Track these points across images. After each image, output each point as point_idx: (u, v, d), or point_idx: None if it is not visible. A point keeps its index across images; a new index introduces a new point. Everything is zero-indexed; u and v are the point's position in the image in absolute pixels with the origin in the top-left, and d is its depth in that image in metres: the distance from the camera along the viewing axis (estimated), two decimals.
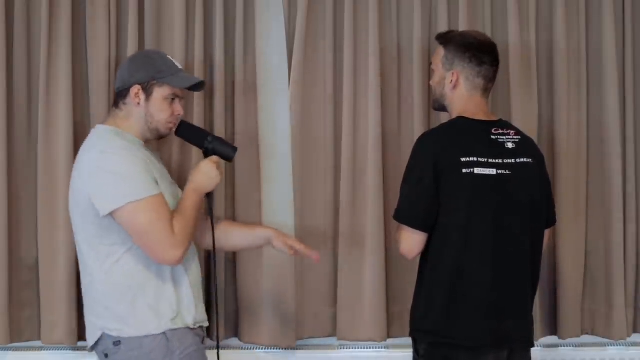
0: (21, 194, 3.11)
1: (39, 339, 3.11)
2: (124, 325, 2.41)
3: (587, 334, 3.27)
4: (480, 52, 2.58)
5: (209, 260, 3.06)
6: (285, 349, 3.18)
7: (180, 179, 2.86)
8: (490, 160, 2.46)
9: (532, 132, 3.01)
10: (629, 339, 3.26)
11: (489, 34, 3.13)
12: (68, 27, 3.06)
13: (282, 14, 3.16)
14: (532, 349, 2.61)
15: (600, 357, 3.27)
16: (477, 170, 2.44)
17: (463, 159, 2.44)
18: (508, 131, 2.55)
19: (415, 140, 2.60)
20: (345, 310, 3.15)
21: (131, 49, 3.06)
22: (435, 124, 2.99)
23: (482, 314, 2.46)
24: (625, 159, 3.23)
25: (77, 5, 3.09)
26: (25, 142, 3.11)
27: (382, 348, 3.21)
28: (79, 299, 3.04)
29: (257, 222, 3.08)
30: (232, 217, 3.12)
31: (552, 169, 3.13)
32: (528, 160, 2.53)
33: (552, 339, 3.25)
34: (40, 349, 3.16)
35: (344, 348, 3.23)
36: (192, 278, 2.52)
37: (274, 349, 3.18)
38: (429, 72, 3.00)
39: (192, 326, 2.49)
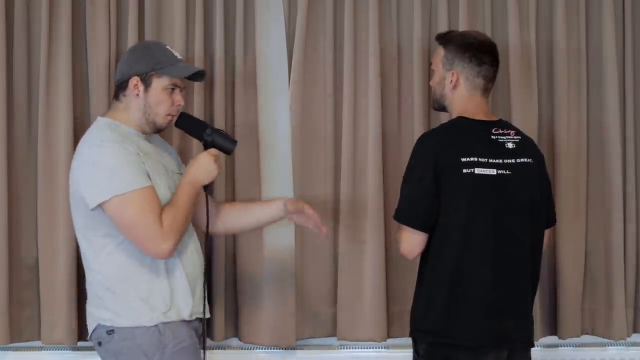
0: (21, 194, 3.11)
1: (39, 339, 3.11)
2: (117, 315, 2.42)
3: (587, 334, 3.27)
4: (480, 52, 2.58)
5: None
6: (285, 349, 3.18)
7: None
8: (490, 160, 2.46)
9: (532, 132, 3.01)
10: (629, 339, 3.26)
11: (489, 34, 3.13)
12: (68, 27, 3.06)
13: (282, 14, 3.16)
14: (532, 349, 2.60)
15: (600, 357, 3.27)
16: (477, 170, 2.44)
17: (463, 159, 2.44)
18: (508, 131, 2.55)
19: (415, 140, 2.60)
20: (345, 310, 3.15)
21: None
22: (435, 124, 2.99)
23: (482, 314, 2.46)
24: (625, 159, 3.23)
25: (77, 5, 3.09)
26: (25, 142, 3.11)
27: (382, 348, 3.21)
28: (79, 299, 3.05)
29: (261, 201, 3.05)
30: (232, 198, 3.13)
31: (552, 169, 3.13)
32: (528, 160, 2.53)
33: (552, 339, 3.25)
34: (40, 349, 3.16)
35: (344, 348, 3.23)
36: (188, 269, 2.49)
37: (274, 349, 3.18)
38: (429, 72, 3.00)
39: (187, 318, 2.48)
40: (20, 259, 3.11)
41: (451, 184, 2.44)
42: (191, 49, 3.10)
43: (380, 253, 3.12)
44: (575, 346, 3.27)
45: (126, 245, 2.40)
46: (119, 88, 2.55)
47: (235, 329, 3.19)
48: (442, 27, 3.10)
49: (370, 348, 3.22)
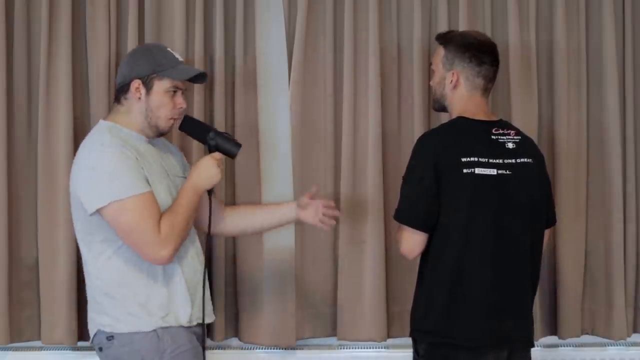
0: (21, 194, 3.11)
1: (39, 339, 3.11)
2: (116, 321, 2.40)
3: (587, 334, 3.27)
4: (480, 52, 2.58)
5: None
6: (285, 349, 3.18)
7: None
8: (490, 161, 2.46)
9: (532, 132, 3.01)
10: (629, 339, 3.26)
11: (489, 34, 3.13)
12: (68, 27, 3.06)
13: (282, 14, 3.16)
14: (532, 349, 2.60)
15: (600, 357, 3.27)
16: (477, 170, 2.44)
17: (464, 159, 2.43)
18: (508, 131, 2.55)
19: (415, 140, 2.60)
20: (345, 310, 3.15)
21: (131, 48, 3.05)
22: (435, 124, 2.99)
23: (482, 314, 2.46)
24: (625, 159, 3.23)
25: (77, 5, 3.10)
26: (25, 142, 3.12)
27: (382, 348, 3.21)
28: (79, 299, 3.05)
29: (272, 203, 3.03)
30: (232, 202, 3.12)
31: (552, 169, 3.13)
32: (528, 160, 2.53)
33: (552, 339, 3.25)
34: (40, 349, 3.16)
35: (344, 348, 3.23)
36: (188, 275, 2.47)
37: (274, 349, 3.18)
38: (429, 72, 3.00)
39: (186, 324, 2.46)
40: (20, 259, 3.12)
41: (451, 184, 2.43)
42: (191, 49, 3.10)
43: (381, 253, 3.12)
44: (575, 346, 3.27)
45: (124, 250, 2.38)
46: (120, 91, 2.51)
47: (235, 329, 3.19)
48: (442, 27, 3.10)
49: (370, 348, 3.22)
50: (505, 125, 2.59)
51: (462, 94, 2.58)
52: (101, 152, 2.37)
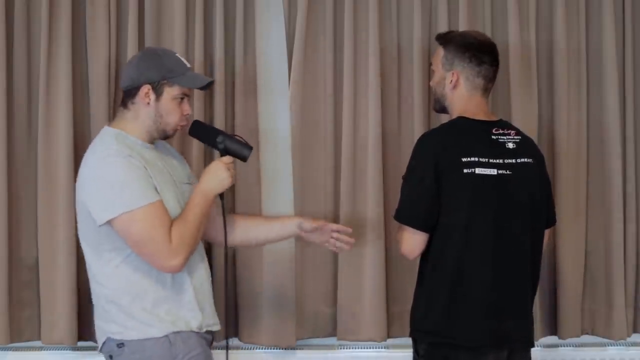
0: (21, 194, 3.11)
1: (39, 339, 3.11)
2: (126, 328, 2.38)
3: (587, 334, 3.27)
4: (480, 52, 2.58)
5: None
6: (285, 349, 3.18)
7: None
8: (491, 161, 2.46)
9: (532, 132, 3.01)
10: (629, 339, 3.26)
11: (489, 34, 3.13)
12: (68, 27, 3.06)
13: (282, 14, 3.16)
14: (532, 349, 2.60)
15: (600, 357, 3.27)
16: (478, 170, 2.44)
17: (464, 159, 2.43)
18: (508, 131, 2.55)
19: (415, 140, 2.60)
20: (345, 310, 3.15)
21: (131, 49, 3.06)
22: (435, 124, 2.99)
23: (482, 314, 2.46)
24: (625, 159, 3.23)
25: (77, 5, 3.09)
26: (25, 142, 3.11)
27: (382, 348, 3.21)
28: (79, 299, 3.06)
29: (275, 216, 3.02)
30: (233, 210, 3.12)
31: (552, 169, 3.13)
32: (528, 160, 2.53)
33: (552, 339, 3.25)
34: (40, 349, 3.16)
35: (344, 348, 3.23)
36: (196, 282, 2.44)
37: (274, 349, 3.18)
38: (429, 72, 3.00)
39: (197, 330, 2.43)
40: (20, 259, 3.12)
41: (452, 184, 2.43)
42: (191, 49, 3.10)
43: (380, 253, 3.12)
44: (575, 346, 3.27)
45: (133, 258, 2.36)
46: (127, 95, 2.46)
47: (235, 329, 3.19)
48: (442, 27, 3.10)
49: (370, 348, 3.22)
50: (505, 125, 2.59)
51: (462, 94, 2.58)
52: (109, 162, 2.33)
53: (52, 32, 3.05)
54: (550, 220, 2.71)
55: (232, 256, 3.16)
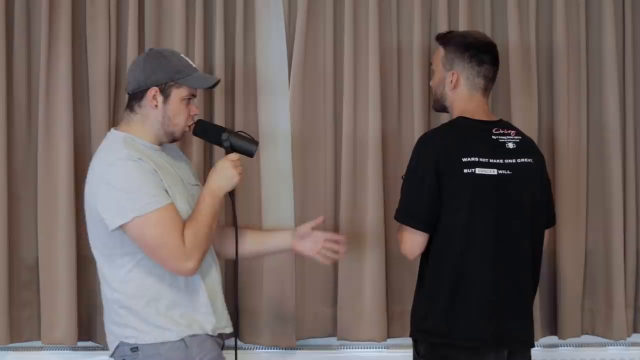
0: (21, 194, 3.11)
1: (39, 339, 3.11)
2: (140, 332, 2.35)
3: (587, 334, 3.27)
4: (480, 51, 2.58)
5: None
6: (285, 349, 3.18)
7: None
8: (491, 161, 2.46)
9: (532, 132, 3.01)
10: (629, 339, 3.26)
11: (489, 34, 3.13)
12: (68, 27, 3.06)
13: (282, 14, 3.16)
14: (532, 349, 2.60)
15: (600, 357, 3.27)
16: (478, 171, 2.44)
17: (464, 159, 2.43)
18: (509, 131, 2.55)
19: (415, 140, 2.60)
20: (345, 310, 3.15)
21: (131, 49, 3.06)
22: (435, 124, 2.99)
23: (482, 315, 2.46)
24: (625, 159, 3.23)
25: (77, 5, 3.10)
26: (25, 142, 3.12)
27: (382, 348, 3.21)
28: (79, 299, 3.06)
29: (271, 228, 3.02)
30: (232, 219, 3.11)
31: (552, 169, 3.13)
32: (529, 160, 2.53)
33: (552, 339, 3.25)
34: (40, 349, 3.16)
35: (344, 348, 3.23)
36: (209, 284, 2.42)
37: (274, 349, 3.18)
38: (429, 72, 3.00)
39: (211, 333, 2.41)
40: (20, 259, 3.12)
41: (452, 184, 2.43)
42: (191, 49, 3.10)
43: (380, 253, 3.12)
44: (575, 346, 3.27)
45: (145, 262, 2.33)
46: (134, 98, 2.42)
47: (235, 329, 3.18)
48: (442, 27, 3.10)
49: (370, 348, 3.22)
50: (505, 125, 2.59)
51: (462, 93, 2.58)
52: (119, 166, 2.30)
53: (52, 32, 3.05)
54: (550, 220, 2.71)
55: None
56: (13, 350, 3.14)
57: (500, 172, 2.46)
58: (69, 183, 3.03)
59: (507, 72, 3.15)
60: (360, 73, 3.16)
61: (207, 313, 2.40)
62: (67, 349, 3.15)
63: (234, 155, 2.45)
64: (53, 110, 3.06)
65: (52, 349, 3.15)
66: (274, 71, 3.16)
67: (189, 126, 2.47)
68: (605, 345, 3.28)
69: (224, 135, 2.47)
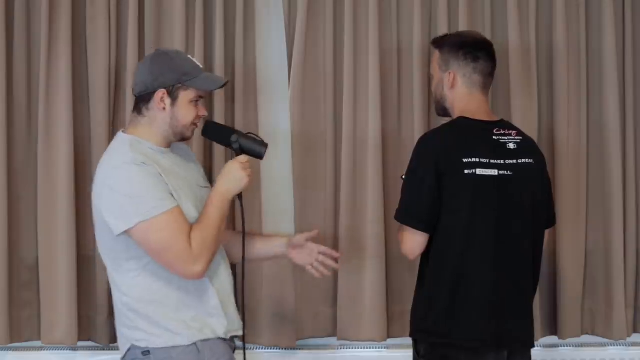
0: (21, 194, 3.11)
1: (39, 339, 3.11)
2: (151, 336, 2.33)
3: (587, 334, 3.27)
4: (474, 48, 2.58)
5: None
6: (285, 349, 3.18)
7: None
8: (492, 161, 2.46)
9: (532, 132, 3.01)
10: (629, 339, 3.26)
11: (489, 34, 3.14)
12: (68, 27, 3.05)
13: (282, 14, 3.16)
14: (532, 349, 2.60)
15: (600, 357, 3.27)
16: (479, 171, 2.44)
17: (465, 160, 2.43)
18: (510, 132, 2.55)
19: (415, 140, 2.60)
20: (345, 310, 3.15)
21: (131, 49, 3.06)
22: (435, 124, 2.99)
23: (482, 315, 2.46)
24: (625, 159, 3.23)
25: (77, 5, 3.09)
26: (25, 142, 3.11)
27: (382, 348, 3.21)
28: (79, 299, 3.06)
29: (270, 233, 3.01)
30: (232, 219, 3.10)
31: (552, 169, 3.12)
32: (529, 161, 2.53)
33: (552, 339, 3.25)
34: (40, 349, 3.16)
35: (344, 348, 3.23)
36: (218, 286, 2.40)
37: (274, 349, 3.18)
38: (429, 72, 3.00)
39: (223, 336, 2.39)
40: (20, 259, 3.12)
41: (453, 184, 2.43)
42: (191, 49, 3.10)
43: (380, 253, 3.12)
44: (575, 346, 3.27)
45: (152, 266, 2.31)
46: (141, 101, 2.39)
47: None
48: (442, 27, 3.11)
49: (370, 348, 3.22)
50: (506, 125, 2.59)
51: (461, 92, 2.58)
52: (124, 170, 2.28)
53: (52, 32, 3.05)
54: (550, 220, 2.71)
55: None
56: (13, 350, 3.14)
57: (501, 172, 2.46)
58: (69, 183, 3.03)
59: (507, 72, 3.15)
60: (360, 73, 3.16)
61: (218, 315, 2.39)
62: (67, 349, 3.15)
63: (243, 158, 2.43)
64: (53, 110, 3.06)
65: (52, 349, 3.15)
66: (274, 71, 3.16)
67: (196, 125, 2.45)
68: (605, 345, 3.28)
69: (234, 137, 2.45)
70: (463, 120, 2.54)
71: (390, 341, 3.18)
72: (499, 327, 2.47)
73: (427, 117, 3.15)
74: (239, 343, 2.52)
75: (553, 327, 3.23)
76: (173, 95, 2.37)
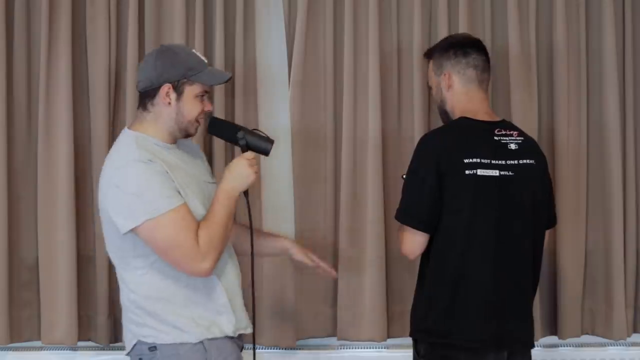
0: (21, 194, 3.11)
1: (39, 339, 3.11)
2: (159, 332, 2.33)
3: (587, 334, 3.27)
4: (462, 45, 2.60)
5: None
6: (285, 349, 3.18)
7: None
8: (493, 162, 2.46)
9: (532, 132, 3.01)
10: (629, 339, 3.26)
11: (489, 34, 3.15)
12: (68, 27, 3.06)
13: (282, 14, 3.16)
14: (532, 349, 2.60)
15: (600, 357, 3.27)
16: (480, 172, 2.44)
17: (466, 160, 2.43)
18: (511, 132, 2.55)
19: (415, 140, 2.60)
20: (345, 310, 3.15)
21: (131, 49, 3.06)
22: (435, 124, 3.00)
23: (483, 315, 2.46)
24: (625, 159, 3.23)
25: (77, 5, 3.09)
26: (25, 142, 3.12)
27: (382, 348, 3.21)
28: (79, 299, 3.06)
29: (275, 231, 3.00)
30: (236, 215, 3.10)
31: (552, 169, 3.12)
32: (531, 161, 2.53)
33: (552, 339, 3.25)
34: (40, 349, 3.16)
35: (344, 348, 3.23)
36: (226, 283, 2.39)
37: (274, 349, 3.18)
38: (427, 85, 3.00)
39: (231, 334, 2.39)
40: (20, 259, 3.12)
41: (454, 185, 2.43)
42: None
43: (381, 253, 3.12)
44: (575, 346, 3.27)
45: (159, 264, 2.30)
46: (146, 96, 2.38)
47: None
48: (442, 28, 3.11)
49: (370, 348, 3.22)
50: (508, 126, 2.59)
51: (459, 91, 2.59)
52: (130, 167, 2.27)
53: (52, 32, 3.05)
54: (551, 220, 2.71)
55: None
56: (13, 350, 3.14)
57: (502, 173, 2.46)
58: (69, 183, 3.03)
59: (507, 72, 3.15)
60: (360, 73, 3.16)
61: (227, 313, 2.38)
62: (67, 349, 3.15)
63: (249, 154, 2.42)
64: (53, 110, 3.06)
65: (52, 349, 3.15)
66: (274, 71, 3.16)
67: (199, 121, 2.43)
68: (605, 345, 3.28)
69: (240, 134, 2.44)
70: (464, 121, 2.54)
71: (390, 341, 3.18)
72: (499, 327, 2.47)
73: (427, 117, 3.15)
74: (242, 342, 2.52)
75: (553, 327, 3.24)
76: (178, 90, 2.36)
